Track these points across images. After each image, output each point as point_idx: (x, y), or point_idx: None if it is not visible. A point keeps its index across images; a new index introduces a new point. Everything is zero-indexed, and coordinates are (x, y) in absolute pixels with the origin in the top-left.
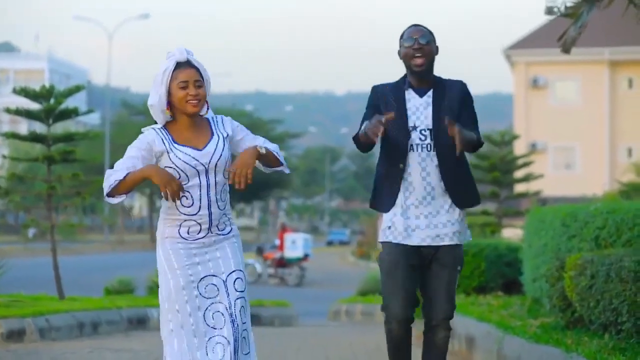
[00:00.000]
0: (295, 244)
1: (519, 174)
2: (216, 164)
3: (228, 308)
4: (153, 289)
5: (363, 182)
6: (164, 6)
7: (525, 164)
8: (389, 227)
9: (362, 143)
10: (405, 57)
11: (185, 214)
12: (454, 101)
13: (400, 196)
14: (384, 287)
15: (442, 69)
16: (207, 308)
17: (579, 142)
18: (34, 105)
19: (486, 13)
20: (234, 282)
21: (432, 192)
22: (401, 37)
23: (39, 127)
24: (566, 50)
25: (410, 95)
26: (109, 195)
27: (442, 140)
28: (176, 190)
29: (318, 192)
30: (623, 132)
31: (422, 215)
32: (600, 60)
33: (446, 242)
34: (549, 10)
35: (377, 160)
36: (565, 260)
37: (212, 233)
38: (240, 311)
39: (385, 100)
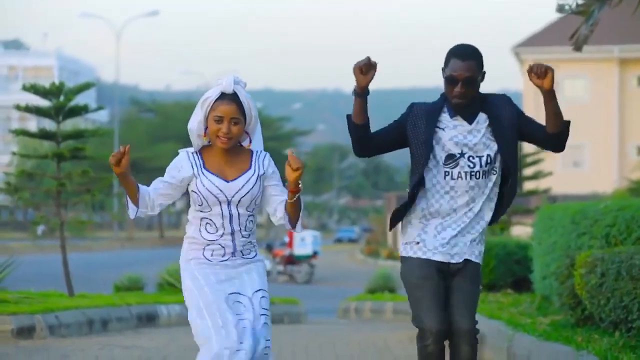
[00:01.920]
0: (304, 242)
1: (528, 171)
2: (240, 199)
3: (251, 322)
4: (163, 285)
5: (372, 180)
6: (172, 3)
7: (535, 162)
8: (417, 243)
9: (353, 122)
10: (447, 92)
11: (208, 240)
12: (511, 118)
13: (439, 218)
14: (415, 302)
15: None
16: (235, 324)
17: (588, 140)
18: (44, 103)
19: (495, 11)
20: (260, 300)
21: (472, 216)
22: (445, 62)
23: (49, 124)
24: (578, 48)
25: (458, 122)
26: (136, 214)
27: (507, 159)
28: (112, 156)
29: (327, 189)
30: (632, 129)
31: (453, 237)
32: (610, 58)
33: (472, 258)
34: (560, 8)
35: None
36: (575, 258)
37: (235, 257)
38: (263, 326)
39: (415, 122)
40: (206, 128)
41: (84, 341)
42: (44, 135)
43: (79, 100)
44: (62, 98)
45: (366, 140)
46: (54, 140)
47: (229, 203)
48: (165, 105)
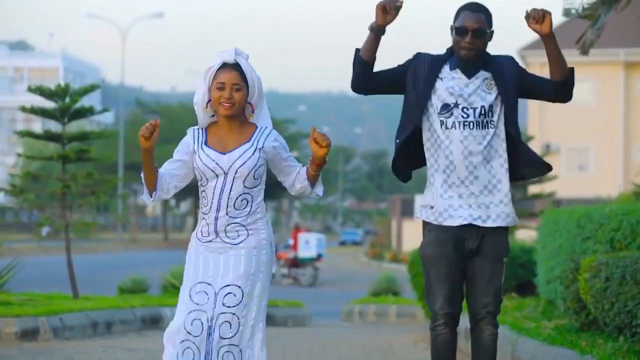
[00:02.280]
0: (308, 244)
1: None
2: (237, 170)
3: (209, 320)
4: (167, 288)
5: (376, 182)
6: (178, 4)
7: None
8: (432, 207)
9: (360, 56)
10: (455, 43)
11: (202, 213)
12: (513, 72)
13: (440, 174)
14: (427, 280)
15: None
16: (189, 312)
17: (593, 143)
18: (49, 104)
19: (501, 13)
20: (225, 296)
21: (475, 170)
22: (455, 17)
23: (54, 126)
24: (584, 52)
25: (457, 75)
26: (149, 192)
27: (507, 110)
28: (143, 130)
29: (331, 192)
30: (638, 133)
31: (465, 195)
32: (615, 61)
33: (489, 224)
34: (567, 12)
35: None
36: (579, 262)
37: (219, 239)
38: (221, 326)
39: (417, 69)
40: (209, 100)
41: (88, 344)
42: (49, 136)
43: (84, 101)
44: (67, 100)
45: (367, 77)
46: (59, 142)
47: (225, 175)
48: (170, 106)
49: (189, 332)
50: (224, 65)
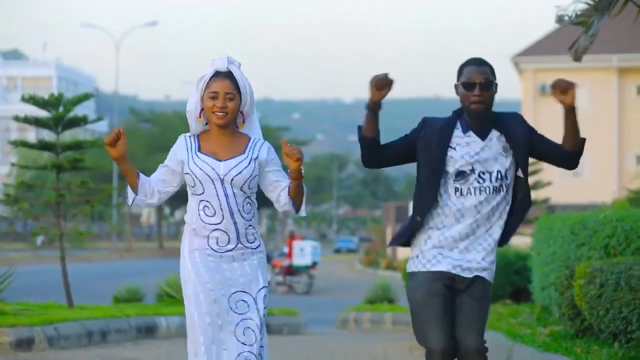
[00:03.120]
0: (303, 252)
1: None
2: (233, 178)
3: (259, 325)
4: (162, 297)
5: (370, 190)
6: (171, 13)
7: (534, 172)
8: (417, 257)
9: (363, 134)
10: (463, 99)
11: (210, 224)
12: (525, 136)
13: (441, 231)
14: (418, 320)
15: (452, 76)
16: (237, 324)
17: (587, 149)
18: (43, 113)
19: (494, 20)
20: (263, 298)
21: (477, 229)
22: (459, 73)
23: (48, 135)
24: (577, 58)
25: (471, 139)
26: (134, 201)
27: (522, 180)
28: (107, 137)
29: (326, 199)
30: (631, 139)
31: (457, 249)
32: (609, 67)
33: (477, 274)
34: (560, 19)
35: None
36: (574, 269)
37: (241, 244)
38: (262, 327)
39: (427, 141)
40: (202, 109)
41: (83, 353)
42: (43, 146)
43: (78, 110)
44: (61, 109)
45: (375, 153)
46: (53, 151)
47: (222, 182)
48: (164, 115)
49: (243, 344)
50: (216, 73)
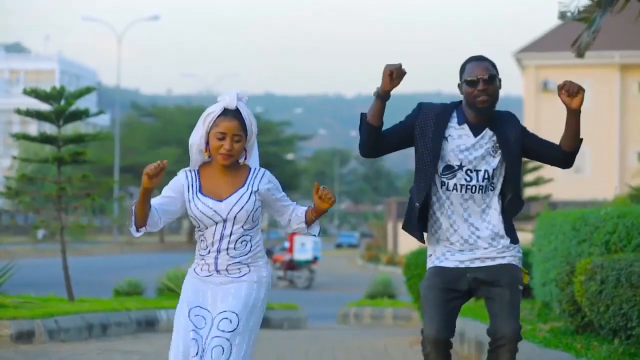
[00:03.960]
0: (304, 247)
1: (528, 177)
2: (235, 215)
3: (202, 340)
4: (163, 290)
5: (372, 185)
6: (173, 7)
7: (535, 168)
8: (430, 255)
9: (367, 122)
10: (468, 95)
11: (200, 255)
12: (517, 136)
13: (443, 233)
14: (423, 310)
15: (453, 71)
16: (188, 331)
17: (589, 146)
18: (44, 107)
19: (497, 16)
20: (220, 321)
21: (477, 231)
22: (462, 71)
23: (49, 128)
24: (580, 55)
25: (464, 132)
26: (137, 227)
27: (510, 176)
28: (150, 169)
29: None
30: (633, 135)
31: (467, 245)
32: (611, 64)
33: (488, 263)
34: (562, 15)
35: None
36: (575, 265)
37: (219, 274)
38: (215, 350)
39: (424, 126)
40: (207, 143)
41: (83, 346)
42: (44, 139)
43: (80, 104)
44: (62, 102)
45: (376, 141)
46: (54, 144)
47: (224, 221)
48: (166, 109)
49: (186, 352)
50: (225, 111)
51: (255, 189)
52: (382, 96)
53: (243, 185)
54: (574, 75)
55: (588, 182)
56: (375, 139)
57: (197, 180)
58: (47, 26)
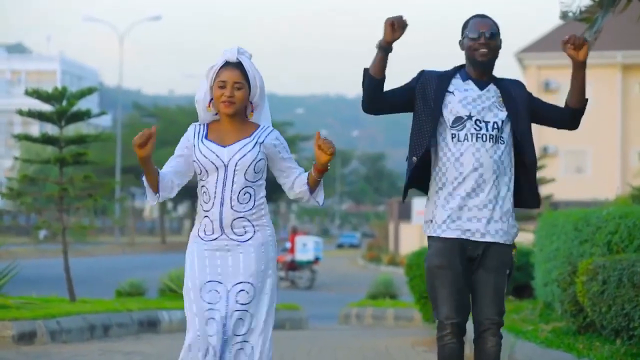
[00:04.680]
0: (306, 247)
1: None
2: (237, 162)
3: (223, 317)
4: (164, 291)
5: (373, 185)
6: (175, 7)
7: (537, 168)
8: (431, 221)
9: (370, 75)
10: (469, 49)
11: (204, 210)
12: (522, 96)
13: (447, 188)
14: (433, 291)
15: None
16: (204, 311)
17: (590, 146)
18: (46, 107)
19: (498, 15)
20: (237, 294)
21: (483, 184)
22: (464, 26)
23: (51, 129)
24: None
25: (469, 86)
26: (157, 200)
27: (521, 129)
28: (136, 139)
29: (329, 194)
30: (635, 135)
31: (466, 208)
32: (613, 64)
33: (487, 239)
34: (564, 15)
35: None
36: (577, 265)
37: (225, 235)
38: (235, 324)
39: (425, 86)
40: (211, 99)
41: (85, 347)
42: (46, 140)
43: (82, 104)
44: (64, 103)
45: (379, 96)
46: (56, 145)
47: (226, 168)
48: (168, 109)
49: (204, 333)
50: (226, 64)
51: (261, 140)
52: (385, 48)
53: (249, 136)
54: None
55: (590, 182)
56: (378, 93)
57: (205, 129)
58: (49, 26)
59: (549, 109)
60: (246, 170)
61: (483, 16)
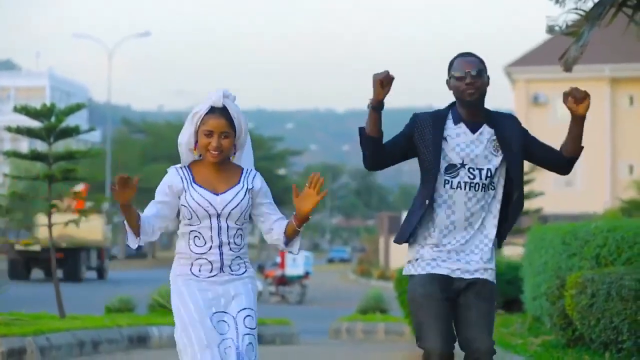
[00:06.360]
0: (296, 262)
1: None
2: (230, 212)
3: (235, 341)
4: (154, 307)
5: (364, 199)
6: (164, 23)
7: (526, 181)
8: (417, 260)
9: (367, 135)
10: (456, 90)
11: (196, 253)
12: (517, 136)
13: (437, 234)
14: (418, 321)
15: (444, 85)
16: (219, 344)
17: (579, 159)
18: (35, 123)
19: (487, 30)
20: (244, 319)
21: (472, 232)
22: (450, 66)
23: (40, 145)
24: (567, 69)
25: (461, 130)
26: (137, 245)
27: (514, 175)
28: (118, 178)
29: (319, 209)
30: (624, 149)
31: (454, 252)
32: (601, 77)
33: (477, 275)
34: (550, 29)
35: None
36: (565, 279)
37: (224, 273)
38: (247, 347)
39: (422, 131)
40: (196, 142)
41: None
42: (35, 156)
43: (71, 120)
44: (53, 119)
45: (379, 153)
46: (45, 161)
47: (218, 216)
48: (157, 125)
49: None
50: (212, 109)
51: (249, 186)
52: (377, 107)
53: (238, 183)
54: (564, 89)
55: (579, 195)
56: (378, 151)
57: (190, 173)
58: (38, 43)
59: (545, 152)
60: (238, 217)
61: (468, 54)
